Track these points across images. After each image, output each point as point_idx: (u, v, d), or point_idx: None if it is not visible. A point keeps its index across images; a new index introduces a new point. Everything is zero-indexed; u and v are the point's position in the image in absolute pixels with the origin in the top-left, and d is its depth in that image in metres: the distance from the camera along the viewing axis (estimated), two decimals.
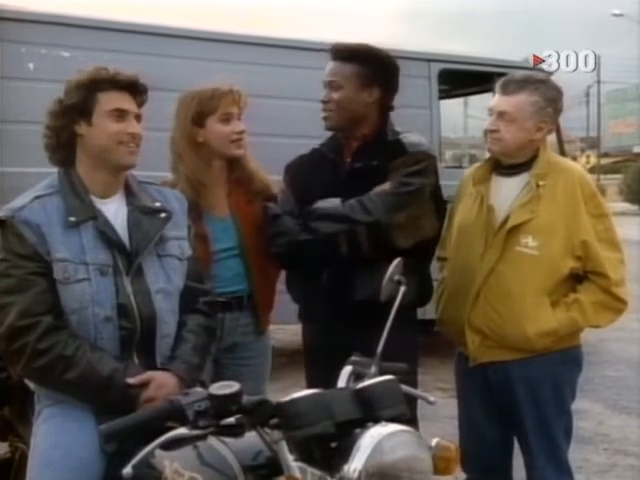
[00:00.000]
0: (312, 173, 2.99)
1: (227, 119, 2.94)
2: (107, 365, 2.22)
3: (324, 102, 2.94)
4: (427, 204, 2.92)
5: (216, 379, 2.56)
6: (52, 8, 6.18)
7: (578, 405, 3.10)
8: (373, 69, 2.90)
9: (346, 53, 2.92)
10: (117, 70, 2.34)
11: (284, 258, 2.97)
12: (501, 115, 2.85)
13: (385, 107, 2.97)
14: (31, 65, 5.55)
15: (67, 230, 2.26)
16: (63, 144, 2.35)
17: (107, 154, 2.33)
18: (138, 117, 2.38)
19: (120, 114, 2.32)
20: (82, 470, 2.20)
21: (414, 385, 2.86)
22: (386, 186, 2.83)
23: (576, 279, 2.89)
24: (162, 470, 1.97)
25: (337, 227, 2.81)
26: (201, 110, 2.94)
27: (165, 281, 2.36)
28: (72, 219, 2.27)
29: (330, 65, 2.94)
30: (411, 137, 2.95)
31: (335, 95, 2.89)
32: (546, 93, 2.88)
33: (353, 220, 2.80)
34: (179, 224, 2.47)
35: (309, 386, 2.78)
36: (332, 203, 2.86)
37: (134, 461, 1.77)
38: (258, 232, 2.99)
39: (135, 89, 2.36)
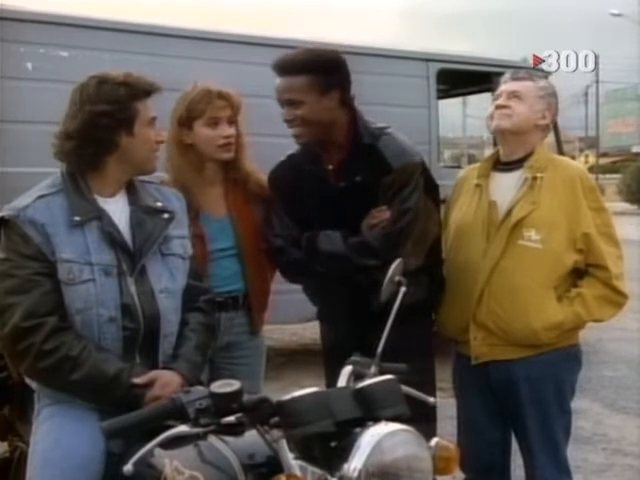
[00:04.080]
0: (297, 188, 2.94)
1: (214, 123, 2.93)
2: (113, 365, 2.22)
3: (288, 121, 2.85)
4: (423, 212, 2.88)
5: (211, 378, 2.57)
6: (51, 8, 6.18)
7: (576, 405, 3.10)
8: (326, 74, 2.80)
9: (294, 66, 2.81)
10: (148, 78, 2.35)
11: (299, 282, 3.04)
12: (512, 94, 2.92)
13: (347, 102, 2.88)
14: (30, 65, 5.54)
15: (71, 230, 2.25)
16: (94, 153, 2.32)
17: (143, 161, 2.36)
18: None
19: (153, 122, 2.35)
20: (82, 469, 2.20)
21: (432, 384, 2.87)
22: (385, 215, 2.78)
23: (577, 274, 2.90)
24: (162, 469, 1.97)
25: (347, 269, 2.80)
26: (188, 113, 2.93)
27: (169, 280, 2.36)
28: (77, 219, 2.26)
29: (280, 82, 2.83)
30: (391, 144, 2.86)
31: (298, 112, 2.80)
32: (550, 84, 3.02)
33: (362, 264, 2.78)
34: (181, 223, 2.47)
35: (328, 386, 2.78)
36: (334, 243, 2.81)
37: (135, 458, 1.78)
38: (255, 233, 2.99)
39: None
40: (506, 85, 2.96)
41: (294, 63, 2.81)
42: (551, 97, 2.98)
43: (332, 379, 2.86)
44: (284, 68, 2.82)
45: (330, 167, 2.90)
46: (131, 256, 2.31)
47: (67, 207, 2.27)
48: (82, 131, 2.28)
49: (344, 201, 2.83)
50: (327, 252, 2.82)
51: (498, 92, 2.97)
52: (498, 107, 2.92)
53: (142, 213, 2.37)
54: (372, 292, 2.71)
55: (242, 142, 3.02)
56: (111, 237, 2.29)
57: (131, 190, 2.41)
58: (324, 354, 3.12)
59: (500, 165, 3.00)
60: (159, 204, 2.42)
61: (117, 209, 2.35)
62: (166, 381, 2.24)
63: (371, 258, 2.77)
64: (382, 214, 2.81)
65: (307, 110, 2.79)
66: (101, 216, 2.30)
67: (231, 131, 2.95)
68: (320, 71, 2.79)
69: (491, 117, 2.96)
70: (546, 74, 5.38)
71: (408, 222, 2.81)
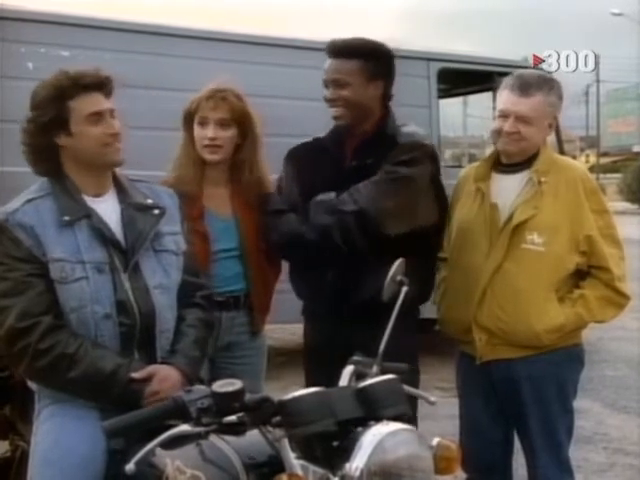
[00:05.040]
0: (315, 167, 2.99)
1: (204, 123, 2.93)
2: (110, 361, 2.22)
3: (331, 100, 2.91)
4: (421, 192, 2.90)
5: (212, 377, 2.57)
6: (51, 8, 6.18)
7: (577, 404, 3.10)
8: (375, 63, 2.91)
9: (347, 49, 2.91)
10: (79, 71, 2.31)
11: (285, 250, 3.01)
12: (520, 118, 2.82)
13: (387, 97, 2.99)
14: (30, 64, 5.54)
15: (61, 230, 2.26)
16: (45, 157, 2.34)
17: (95, 158, 2.33)
18: (112, 112, 2.34)
19: (97, 117, 2.30)
20: (83, 468, 2.20)
21: (416, 384, 2.87)
22: (375, 177, 2.84)
23: (579, 276, 2.90)
24: (163, 468, 1.97)
25: (329, 219, 2.82)
26: (189, 111, 2.97)
27: (163, 276, 2.37)
28: (66, 218, 2.27)
29: (330, 63, 2.92)
30: (406, 129, 2.96)
31: (343, 92, 2.87)
32: (558, 91, 2.93)
33: (341, 211, 2.81)
34: (173, 219, 2.48)
35: (307, 384, 2.79)
36: (328, 196, 2.87)
37: (136, 458, 1.78)
38: (259, 234, 2.99)
39: (101, 85, 2.33)
40: (513, 102, 2.83)
41: (348, 47, 2.92)
42: (557, 102, 2.92)
43: (311, 378, 2.88)
44: (337, 50, 2.92)
45: (349, 153, 2.96)
46: (124, 253, 2.31)
47: (56, 209, 2.29)
48: (25, 139, 2.34)
49: (352, 179, 2.87)
50: (318, 202, 2.86)
51: (504, 108, 2.85)
52: (507, 133, 2.84)
53: (133, 210, 2.38)
54: (362, 279, 2.77)
55: (249, 144, 2.99)
56: (101, 234, 2.30)
57: (120, 189, 2.42)
58: (305, 353, 3.11)
59: (501, 166, 2.98)
60: (149, 201, 2.43)
61: (107, 208, 2.36)
62: (164, 376, 2.25)
63: (350, 204, 2.80)
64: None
65: (352, 92, 2.88)
66: (90, 214, 2.31)
67: (219, 134, 2.92)
68: (371, 58, 2.91)
69: (497, 133, 2.87)
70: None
71: (391, 179, 2.82)
